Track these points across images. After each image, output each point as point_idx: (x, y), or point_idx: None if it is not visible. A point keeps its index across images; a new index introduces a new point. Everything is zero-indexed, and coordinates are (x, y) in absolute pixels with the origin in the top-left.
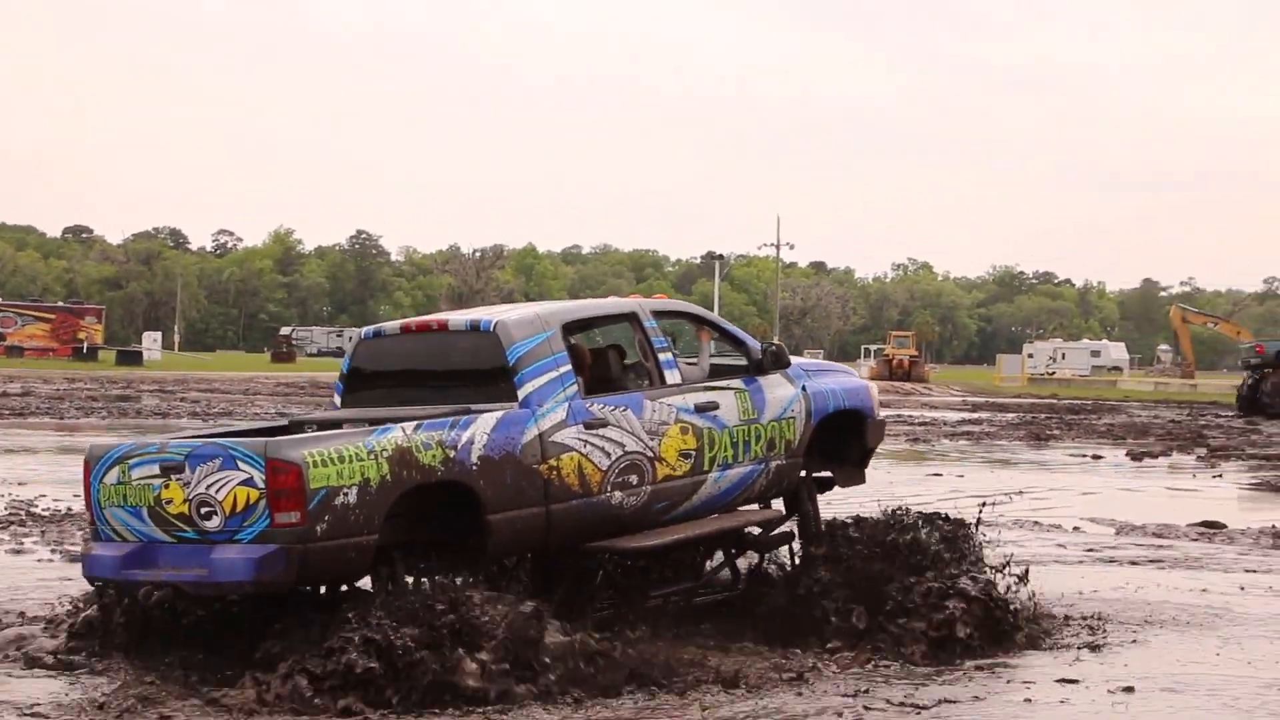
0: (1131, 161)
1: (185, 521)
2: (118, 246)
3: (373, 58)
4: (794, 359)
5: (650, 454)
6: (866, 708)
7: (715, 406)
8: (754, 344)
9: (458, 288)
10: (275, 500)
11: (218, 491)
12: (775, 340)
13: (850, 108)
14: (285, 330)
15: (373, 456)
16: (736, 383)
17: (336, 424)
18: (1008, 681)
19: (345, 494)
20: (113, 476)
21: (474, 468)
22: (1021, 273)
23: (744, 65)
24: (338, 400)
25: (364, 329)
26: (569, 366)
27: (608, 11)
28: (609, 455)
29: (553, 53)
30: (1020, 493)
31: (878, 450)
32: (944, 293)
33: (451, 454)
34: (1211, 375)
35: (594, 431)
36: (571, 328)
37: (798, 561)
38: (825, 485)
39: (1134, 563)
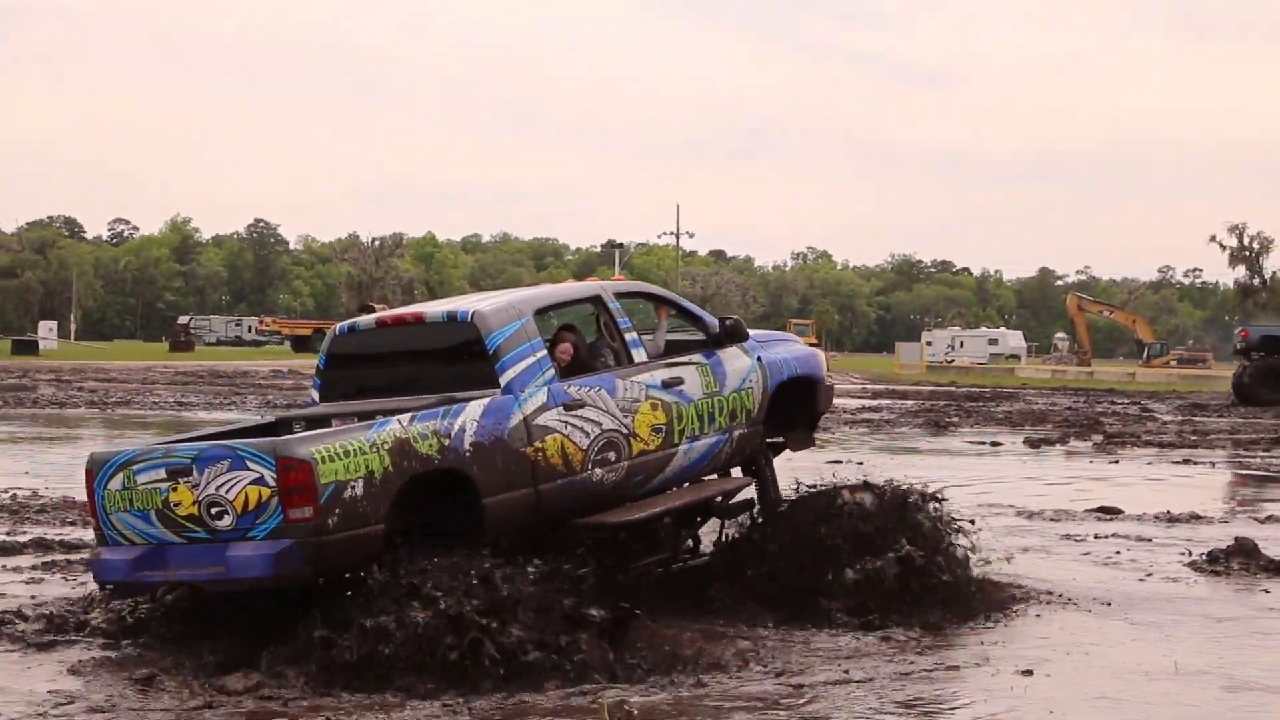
0: (1026, 152)
1: (195, 522)
2: (12, 235)
3: (270, 46)
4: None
5: (625, 431)
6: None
7: (681, 382)
8: (711, 320)
9: (357, 276)
10: (288, 496)
11: (228, 491)
12: (732, 316)
13: (748, 98)
14: (183, 319)
15: (375, 449)
16: (698, 357)
17: (324, 419)
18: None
19: (353, 487)
20: (117, 482)
21: (468, 454)
22: (920, 261)
23: (642, 56)
24: (315, 395)
25: (337, 325)
26: (545, 351)
27: (505, 3)
28: (588, 435)
29: (452, 42)
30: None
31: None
32: (843, 281)
33: (446, 442)
34: (1108, 363)
35: (573, 412)
36: (543, 313)
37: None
38: (776, 449)
39: (1033, 549)
